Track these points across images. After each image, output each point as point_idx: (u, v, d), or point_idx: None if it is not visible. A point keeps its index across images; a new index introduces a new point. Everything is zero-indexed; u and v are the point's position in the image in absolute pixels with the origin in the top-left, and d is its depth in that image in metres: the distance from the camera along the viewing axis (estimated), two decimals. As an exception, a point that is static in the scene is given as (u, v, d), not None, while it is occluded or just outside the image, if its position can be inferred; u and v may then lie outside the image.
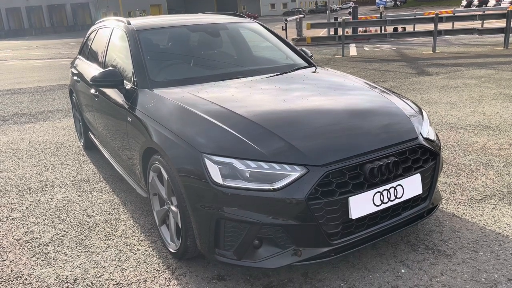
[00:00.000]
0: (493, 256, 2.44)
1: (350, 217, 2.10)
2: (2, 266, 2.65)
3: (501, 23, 12.67)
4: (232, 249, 2.16)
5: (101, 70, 3.53)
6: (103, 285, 2.40)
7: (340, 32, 14.00)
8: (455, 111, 5.66)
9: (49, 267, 2.60)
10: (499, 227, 2.74)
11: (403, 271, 2.35)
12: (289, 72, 3.37)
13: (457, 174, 3.61)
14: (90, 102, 3.99)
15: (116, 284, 2.40)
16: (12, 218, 3.30)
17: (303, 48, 3.95)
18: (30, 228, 3.12)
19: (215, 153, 2.13)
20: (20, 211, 3.42)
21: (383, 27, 18.12)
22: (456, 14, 17.26)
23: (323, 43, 16.29)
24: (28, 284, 2.45)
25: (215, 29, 3.90)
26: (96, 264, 2.60)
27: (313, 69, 3.52)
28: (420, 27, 17.41)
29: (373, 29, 19.57)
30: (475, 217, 2.88)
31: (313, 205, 2.02)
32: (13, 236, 3.01)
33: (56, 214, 3.32)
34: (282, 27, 17.19)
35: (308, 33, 18.38)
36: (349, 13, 19.61)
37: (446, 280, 2.26)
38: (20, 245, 2.89)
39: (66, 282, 2.44)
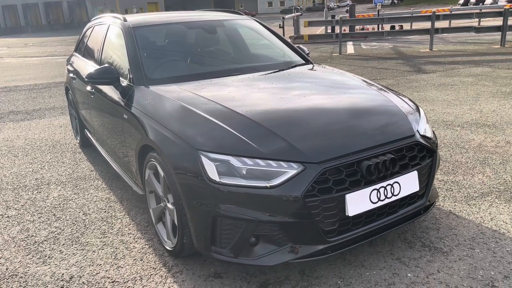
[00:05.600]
0: (490, 253, 2.44)
1: (347, 214, 2.09)
2: (-3, 264, 2.63)
3: (498, 21, 12.70)
4: (228, 247, 2.15)
5: (97, 67, 3.51)
6: (98, 283, 2.39)
7: (337, 30, 14.00)
8: (452, 108, 5.67)
9: (45, 265, 2.59)
10: (495, 225, 2.74)
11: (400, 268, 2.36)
12: (286, 69, 3.36)
13: (454, 172, 3.61)
14: (86, 100, 3.97)
15: (112, 282, 2.39)
16: (8, 216, 3.28)
17: (300, 46, 3.94)
18: (25, 226, 3.11)
19: (212, 150, 2.12)
20: (15, 209, 3.40)
21: (380, 25, 18.12)
22: (453, 12, 17.28)
23: (321, 41, 16.28)
24: (24, 282, 2.43)
25: (211, 26, 3.88)
26: (92, 262, 2.59)
27: (310, 66, 3.51)
28: (417, 25, 17.38)
29: (370, 27, 19.57)
30: (472, 215, 2.88)
31: (310, 202, 2.01)
32: (8, 234, 3.00)
33: (51, 212, 3.30)
34: (280, 25, 17.13)
35: (305, 31, 18.38)
36: (347, 11, 19.61)
37: (443, 277, 2.26)
38: (16, 243, 2.87)
39: (62, 280, 2.43)
